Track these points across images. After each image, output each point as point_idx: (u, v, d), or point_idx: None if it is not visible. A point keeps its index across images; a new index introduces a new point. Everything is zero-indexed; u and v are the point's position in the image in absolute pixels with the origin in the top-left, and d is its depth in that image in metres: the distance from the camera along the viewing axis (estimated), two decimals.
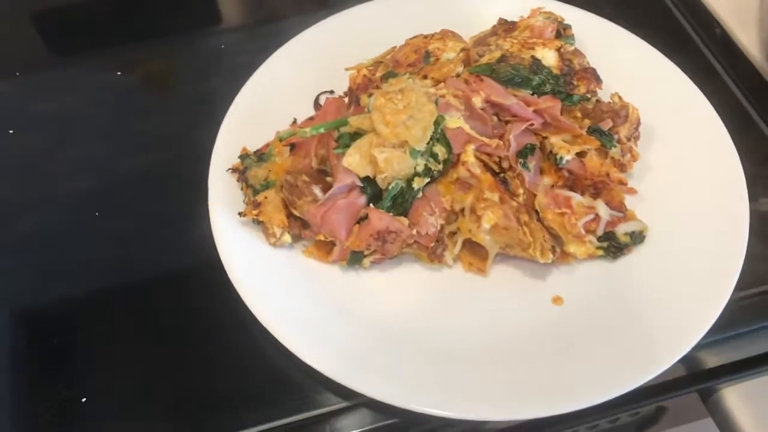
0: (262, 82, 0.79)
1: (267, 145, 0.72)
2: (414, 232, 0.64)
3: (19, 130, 0.84)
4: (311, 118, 0.76)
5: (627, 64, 0.78)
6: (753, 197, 0.68)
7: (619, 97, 0.73)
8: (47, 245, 0.74)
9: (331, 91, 0.79)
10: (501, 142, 0.67)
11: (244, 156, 0.71)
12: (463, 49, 0.74)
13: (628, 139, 0.71)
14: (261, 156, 0.71)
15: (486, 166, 0.66)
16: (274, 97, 0.78)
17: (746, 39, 0.83)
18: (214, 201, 0.69)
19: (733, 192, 0.69)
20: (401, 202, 0.65)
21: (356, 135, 0.66)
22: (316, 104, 0.79)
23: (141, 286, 0.71)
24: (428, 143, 0.65)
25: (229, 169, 0.71)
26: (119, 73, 0.89)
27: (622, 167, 0.70)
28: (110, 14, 0.98)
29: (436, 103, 0.66)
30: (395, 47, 0.78)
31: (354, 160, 0.63)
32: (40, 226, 0.76)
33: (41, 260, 0.73)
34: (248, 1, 1.02)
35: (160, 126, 0.83)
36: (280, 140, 0.72)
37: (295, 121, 0.77)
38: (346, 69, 0.78)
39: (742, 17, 0.85)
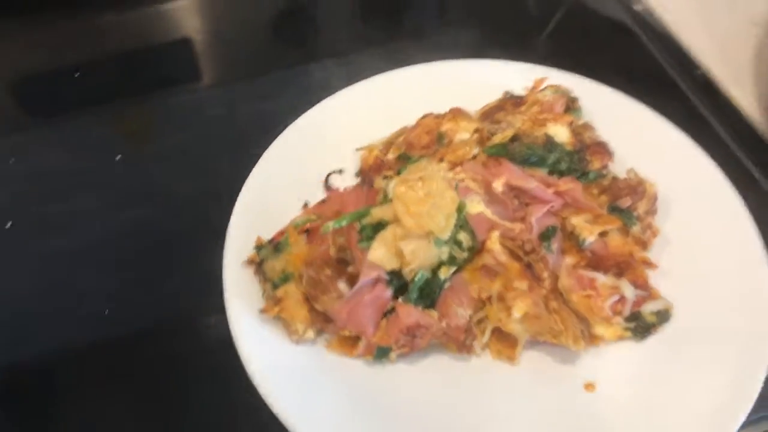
0: (271, 164, 0.77)
1: (281, 233, 0.70)
2: (443, 324, 0.63)
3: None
4: (323, 201, 0.74)
5: (634, 134, 0.78)
6: None
7: (635, 173, 0.73)
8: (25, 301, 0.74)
9: (341, 171, 0.78)
10: (524, 226, 0.66)
11: (259, 247, 0.69)
12: (476, 130, 0.73)
13: (647, 215, 0.71)
14: (277, 246, 0.69)
15: (511, 252, 0.65)
16: (283, 180, 0.76)
17: (744, 101, 0.85)
18: (232, 295, 0.67)
19: (752, 259, 0.69)
20: (428, 293, 0.63)
21: (378, 225, 0.64)
22: (326, 185, 0.77)
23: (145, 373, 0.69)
24: (452, 232, 0.64)
25: (245, 261, 0.69)
26: (101, 130, 0.90)
27: (643, 245, 0.69)
28: (89, 73, 0.97)
29: (456, 188, 0.66)
30: (406, 127, 0.77)
31: (380, 254, 0.62)
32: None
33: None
34: (226, 59, 1.02)
35: (142, 181, 0.84)
36: (295, 228, 0.70)
37: (306, 205, 0.75)
38: (357, 149, 0.77)
39: (739, 78, 0.87)
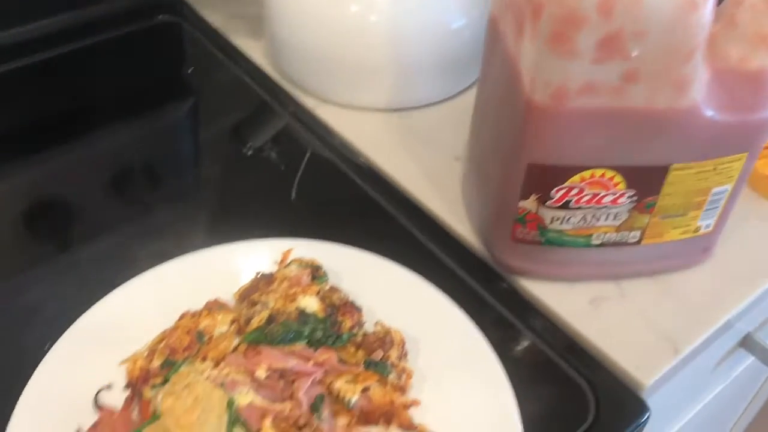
0: (36, 395, 0.75)
1: None
2: None
3: None
4: (95, 425, 0.74)
5: (377, 285, 0.88)
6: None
7: (382, 325, 0.81)
8: None
9: (109, 386, 0.78)
10: (293, 403, 0.71)
11: None
12: (233, 321, 0.78)
13: (399, 360, 0.79)
14: None
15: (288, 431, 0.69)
16: (52, 408, 0.75)
17: (464, 232, 0.99)
18: None
19: (493, 376, 0.79)
20: None
21: None
22: (96, 404, 0.77)
23: None
24: (227, 429, 0.67)
25: None
26: None
27: (401, 390, 0.77)
28: None
29: (222, 385, 0.69)
30: (165, 330, 0.79)
31: None
32: None
33: None
34: None
35: None
36: None
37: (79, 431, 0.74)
38: (121, 363, 0.78)
39: (454, 211, 1.01)
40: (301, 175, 1.10)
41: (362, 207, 1.05)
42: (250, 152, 1.16)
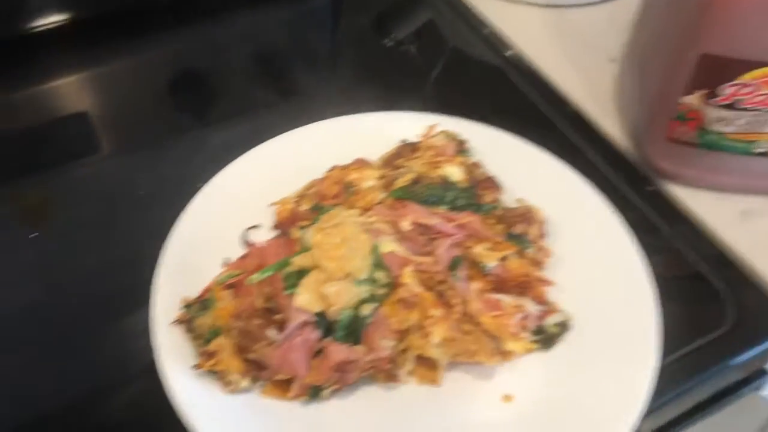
0: (188, 227, 0.80)
1: (207, 290, 0.74)
2: (370, 357, 0.68)
3: None
4: (244, 257, 0.78)
5: (518, 167, 0.87)
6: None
7: (523, 202, 0.81)
8: None
9: (257, 226, 0.82)
10: (433, 259, 0.72)
11: (187, 305, 0.72)
12: (380, 176, 0.80)
13: (539, 238, 0.79)
14: (204, 303, 0.72)
15: (424, 284, 0.71)
16: (202, 241, 0.79)
17: (612, 130, 0.96)
18: (164, 355, 0.70)
19: (632, 267, 0.78)
20: (353, 330, 0.68)
21: (301, 273, 0.69)
22: (244, 240, 0.81)
23: None
24: (369, 271, 0.69)
25: (174, 321, 0.72)
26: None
27: (538, 265, 0.77)
28: None
29: (368, 231, 0.71)
30: (315, 180, 0.82)
31: (305, 299, 0.67)
32: None
33: None
34: (125, 129, 1.04)
35: (42, 261, 0.84)
36: (219, 284, 0.73)
37: (227, 262, 0.79)
38: (271, 204, 0.82)
39: (605, 110, 0.98)
40: (445, 63, 1.10)
41: (507, 96, 1.03)
42: (391, 43, 1.16)
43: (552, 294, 0.77)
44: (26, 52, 1.08)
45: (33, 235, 0.87)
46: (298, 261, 0.69)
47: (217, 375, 0.68)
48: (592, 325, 0.75)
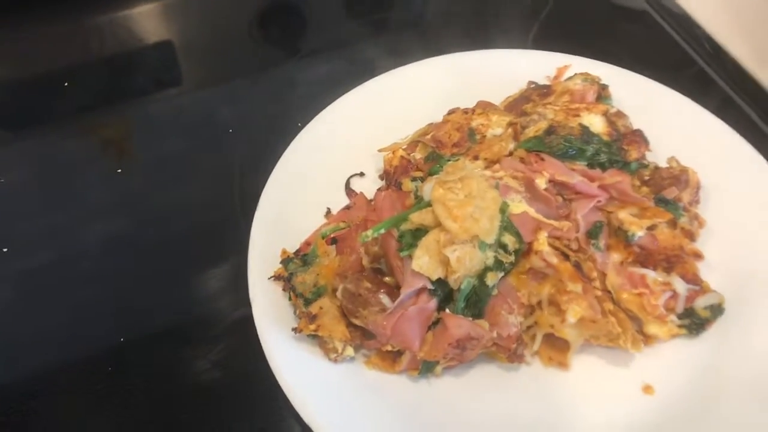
0: (287, 170, 0.72)
1: (308, 244, 0.66)
2: (494, 334, 0.58)
3: None
4: (348, 207, 0.69)
5: (666, 120, 0.75)
6: None
7: (677, 161, 0.69)
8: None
9: (362, 174, 0.73)
10: (570, 224, 0.62)
11: (285, 260, 0.64)
12: (510, 123, 0.69)
13: (691, 205, 0.67)
14: (305, 258, 0.64)
15: (560, 253, 0.61)
16: (301, 187, 0.71)
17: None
18: (261, 313, 0.62)
19: None
20: (475, 302, 0.59)
21: (418, 232, 0.60)
22: (348, 188, 0.73)
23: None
24: (496, 234, 0.59)
25: (272, 276, 0.64)
26: (76, 141, 0.86)
27: (692, 236, 0.66)
28: (60, 83, 0.92)
29: (496, 187, 0.61)
30: (431, 124, 0.72)
31: (424, 263, 0.57)
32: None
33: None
34: (210, 60, 0.96)
35: (126, 192, 0.79)
36: (323, 238, 0.65)
37: (329, 212, 0.70)
38: (380, 150, 0.72)
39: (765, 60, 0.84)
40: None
41: (649, 40, 0.90)
42: None
43: (701, 271, 0.66)
44: None
45: (118, 170, 0.81)
46: (416, 218, 0.60)
47: (318, 341, 0.61)
48: (747, 312, 0.63)
